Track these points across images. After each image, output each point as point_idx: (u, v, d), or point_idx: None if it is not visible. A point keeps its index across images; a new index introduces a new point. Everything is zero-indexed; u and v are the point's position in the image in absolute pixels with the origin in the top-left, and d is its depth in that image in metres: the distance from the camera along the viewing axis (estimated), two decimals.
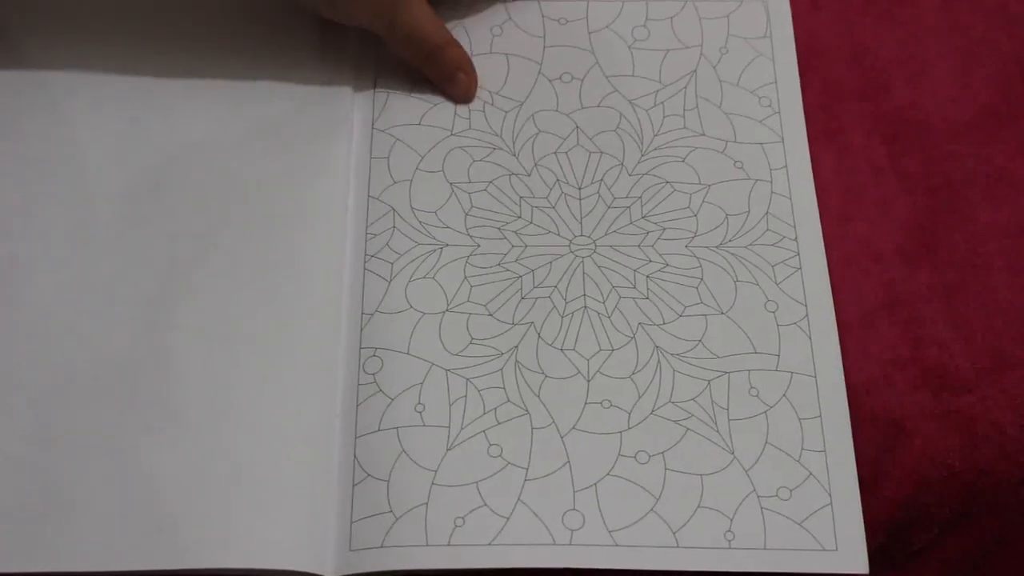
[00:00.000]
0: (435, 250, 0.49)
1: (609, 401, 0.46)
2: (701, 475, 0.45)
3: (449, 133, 0.52)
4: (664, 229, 0.50)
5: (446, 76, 0.52)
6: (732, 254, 0.49)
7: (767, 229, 0.50)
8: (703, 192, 0.51)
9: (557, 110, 0.53)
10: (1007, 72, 0.54)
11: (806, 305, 0.48)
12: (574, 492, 0.44)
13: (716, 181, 0.51)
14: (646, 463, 0.45)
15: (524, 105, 0.53)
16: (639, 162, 0.52)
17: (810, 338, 0.48)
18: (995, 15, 0.55)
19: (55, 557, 0.42)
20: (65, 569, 0.42)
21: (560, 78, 0.54)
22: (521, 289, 0.48)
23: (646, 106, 0.53)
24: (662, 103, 0.53)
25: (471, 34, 0.55)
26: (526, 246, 0.49)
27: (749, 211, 0.50)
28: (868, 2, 0.56)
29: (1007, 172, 0.52)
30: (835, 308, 0.48)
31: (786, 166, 0.51)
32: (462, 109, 0.53)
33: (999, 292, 0.49)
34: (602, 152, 0.52)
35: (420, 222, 0.50)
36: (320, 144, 0.51)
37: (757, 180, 0.51)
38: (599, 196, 0.51)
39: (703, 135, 0.52)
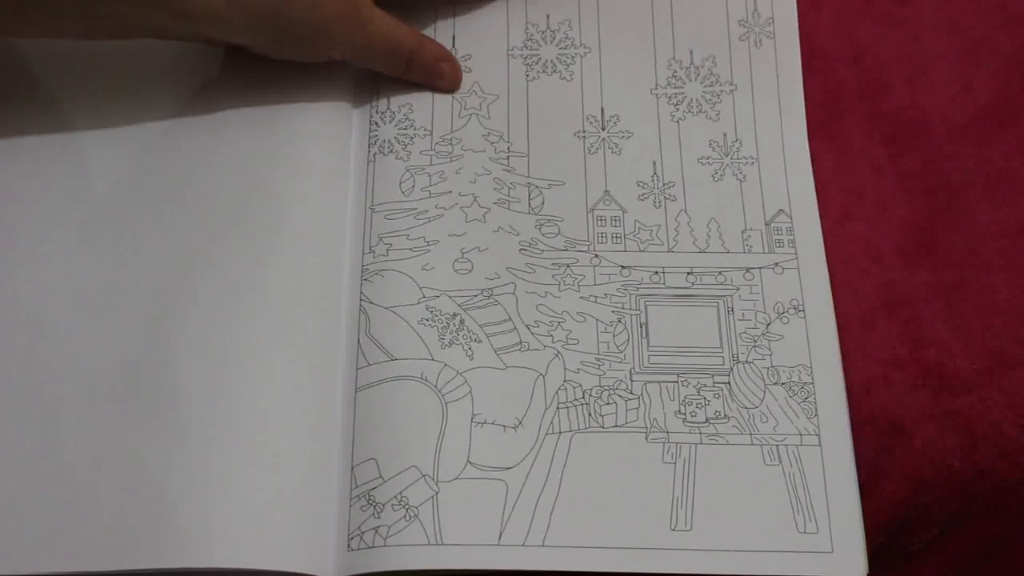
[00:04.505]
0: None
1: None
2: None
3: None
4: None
5: (432, 75, 0.52)
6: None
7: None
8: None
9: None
10: (1007, 72, 0.54)
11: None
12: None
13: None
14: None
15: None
16: None
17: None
18: (995, 15, 0.55)
19: (55, 557, 0.42)
20: (65, 569, 0.42)
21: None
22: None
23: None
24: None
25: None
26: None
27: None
28: (868, 2, 0.56)
29: (1007, 172, 0.51)
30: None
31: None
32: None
33: (999, 292, 0.49)
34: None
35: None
36: (320, 150, 0.51)
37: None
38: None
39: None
